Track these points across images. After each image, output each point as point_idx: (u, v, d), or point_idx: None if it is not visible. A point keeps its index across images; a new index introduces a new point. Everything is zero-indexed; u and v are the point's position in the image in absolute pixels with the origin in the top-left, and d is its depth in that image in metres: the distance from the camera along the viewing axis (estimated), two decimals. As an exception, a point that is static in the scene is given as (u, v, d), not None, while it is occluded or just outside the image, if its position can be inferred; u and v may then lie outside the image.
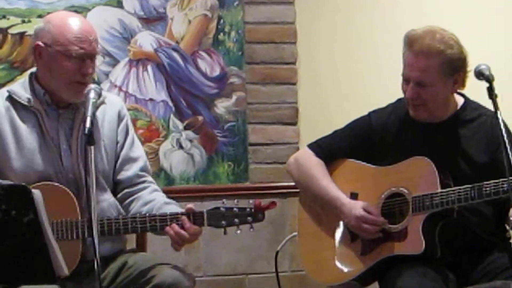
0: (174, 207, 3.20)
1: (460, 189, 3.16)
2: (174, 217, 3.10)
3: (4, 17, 4.49)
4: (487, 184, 3.11)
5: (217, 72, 4.72)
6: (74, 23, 3.17)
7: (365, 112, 3.55)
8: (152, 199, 3.24)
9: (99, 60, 4.34)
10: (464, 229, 3.29)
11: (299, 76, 4.79)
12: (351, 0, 4.88)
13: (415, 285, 3.11)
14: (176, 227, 3.09)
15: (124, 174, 3.29)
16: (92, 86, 3.02)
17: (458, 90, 3.37)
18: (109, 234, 3.10)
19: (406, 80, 3.31)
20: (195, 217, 3.10)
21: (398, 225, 3.30)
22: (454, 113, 3.39)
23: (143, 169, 3.32)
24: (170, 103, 4.65)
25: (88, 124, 2.83)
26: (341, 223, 3.48)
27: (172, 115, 4.66)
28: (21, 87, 3.23)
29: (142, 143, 4.45)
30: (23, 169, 3.13)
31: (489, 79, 3.09)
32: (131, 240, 3.47)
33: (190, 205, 3.12)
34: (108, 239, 3.20)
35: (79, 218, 3.08)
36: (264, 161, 4.74)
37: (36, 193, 2.47)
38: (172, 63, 4.66)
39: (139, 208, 3.22)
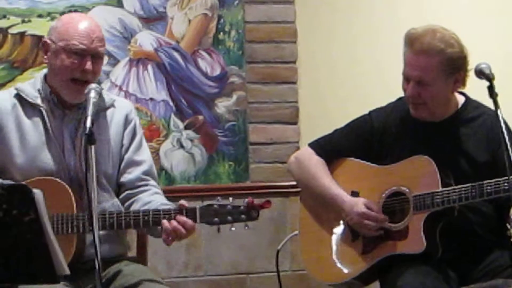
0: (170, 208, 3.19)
1: (461, 188, 3.16)
2: (167, 213, 3.08)
3: (4, 16, 4.50)
4: (488, 183, 3.11)
5: (217, 71, 4.72)
6: (81, 22, 3.19)
7: (366, 111, 3.55)
8: (151, 200, 3.23)
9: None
10: (465, 228, 3.29)
11: (299, 75, 4.79)
12: (351, 0, 4.88)
13: (416, 284, 3.11)
14: (172, 221, 3.07)
15: (127, 177, 3.29)
16: (93, 85, 3.01)
17: (459, 89, 3.37)
18: (102, 228, 3.08)
19: (406, 79, 3.31)
20: (188, 214, 3.08)
21: (399, 224, 3.30)
22: (454, 112, 3.39)
23: (146, 173, 3.32)
24: (171, 103, 4.66)
25: (88, 124, 2.83)
26: (342, 222, 3.47)
27: (172, 115, 4.66)
28: (30, 86, 3.25)
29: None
30: (26, 166, 3.14)
31: (489, 78, 3.09)
32: (132, 253, 3.47)
33: (182, 201, 3.11)
34: (106, 241, 3.20)
35: (75, 213, 3.08)
36: (264, 161, 4.75)
37: (37, 192, 2.47)
38: (172, 63, 4.66)
39: (138, 209, 3.21)
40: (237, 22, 4.75)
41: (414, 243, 3.22)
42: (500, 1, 4.96)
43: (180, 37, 4.69)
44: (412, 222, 3.26)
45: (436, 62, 3.23)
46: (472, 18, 4.85)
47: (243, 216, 3.11)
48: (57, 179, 3.12)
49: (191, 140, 4.69)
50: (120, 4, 4.62)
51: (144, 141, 3.39)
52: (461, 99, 3.41)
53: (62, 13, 4.50)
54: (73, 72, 3.14)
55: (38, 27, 4.52)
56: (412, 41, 3.26)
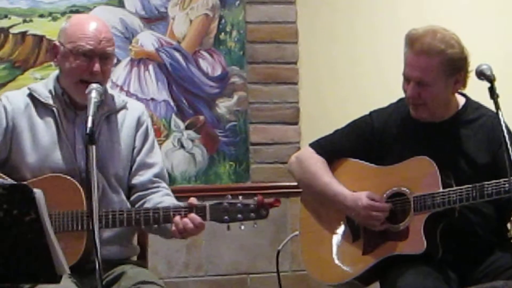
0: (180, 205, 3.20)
1: (461, 189, 3.16)
2: (177, 210, 3.09)
3: (5, 16, 4.50)
4: (489, 184, 3.11)
5: (218, 71, 4.73)
6: (89, 23, 3.20)
7: (366, 112, 3.55)
8: (162, 201, 3.25)
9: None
10: (465, 229, 3.29)
11: (300, 75, 4.79)
12: (352, 0, 4.88)
13: (416, 284, 3.11)
14: (184, 218, 3.09)
15: (138, 179, 3.30)
16: (94, 85, 3.01)
17: (459, 90, 3.37)
18: (113, 225, 3.11)
19: (407, 80, 3.31)
20: (198, 211, 3.10)
21: (400, 225, 3.30)
22: (455, 113, 3.39)
23: (157, 175, 3.33)
24: (172, 103, 4.66)
25: (89, 124, 2.83)
26: (343, 222, 3.47)
27: (173, 115, 4.66)
28: (43, 86, 3.27)
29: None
30: (37, 165, 3.15)
31: (490, 79, 3.09)
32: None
33: (192, 199, 3.12)
34: (116, 242, 3.23)
35: (85, 210, 3.09)
36: (265, 161, 4.75)
37: (38, 192, 2.47)
38: (173, 63, 4.67)
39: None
40: (238, 23, 4.75)
41: (414, 244, 3.22)
42: (501, 1, 4.96)
43: (181, 37, 4.69)
44: (413, 222, 3.26)
45: (437, 62, 3.23)
46: (473, 18, 4.85)
47: (252, 214, 3.13)
48: (68, 177, 3.12)
49: (192, 140, 4.69)
50: (121, 4, 4.62)
51: (156, 143, 3.41)
52: (461, 100, 3.41)
53: (63, 13, 4.52)
54: (82, 74, 3.14)
55: (39, 27, 4.52)
56: (412, 41, 3.26)
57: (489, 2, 4.95)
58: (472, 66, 3.24)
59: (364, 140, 3.49)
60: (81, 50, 3.13)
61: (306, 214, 3.60)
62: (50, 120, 3.21)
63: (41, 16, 4.52)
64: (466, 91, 3.40)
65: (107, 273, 3.15)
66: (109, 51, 3.19)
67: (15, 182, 2.97)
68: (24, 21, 4.52)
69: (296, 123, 4.78)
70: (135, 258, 3.37)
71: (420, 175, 3.28)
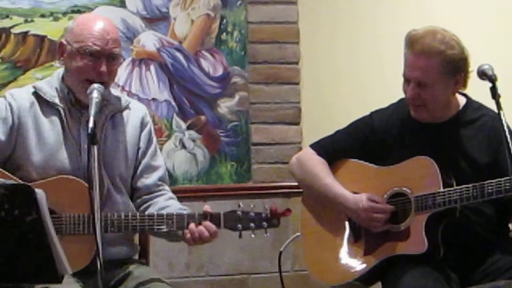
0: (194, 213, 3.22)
1: (462, 188, 3.16)
2: (192, 218, 3.12)
3: (7, 16, 4.50)
4: (490, 183, 3.10)
5: (220, 72, 4.73)
6: (96, 23, 3.18)
7: (367, 112, 3.55)
8: (169, 205, 3.27)
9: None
10: (466, 229, 3.29)
11: (301, 76, 4.80)
12: (354, 1, 4.88)
13: (417, 285, 3.11)
14: (200, 226, 3.12)
15: (143, 182, 3.31)
16: (95, 85, 3.02)
17: (460, 90, 3.37)
18: (125, 230, 3.12)
19: (407, 81, 3.31)
20: (212, 219, 3.12)
21: (401, 225, 3.30)
22: (456, 114, 3.39)
23: (161, 178, 3.34)
24: (173, 103, 4.66)
25: (90, 124, 2.83)
26: (344, 223, 3.47)
27: (175, 115, 4.66)
28: (47, 84, 3.25)
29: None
30: (42, 164, 3.15)
31: (492, 79, 3.09)
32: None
33: (207, 206, 3.15)
34: (124, 244, 3.24)
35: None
36: (267, 161, 4.75)
37: (39, 193, 2.47)
38: (175, 63, 4.67)
39: (161, 212, 3.22)
40: (239, 23, 4.75)
41: (416, 244, 3.22)
42: (502, 2, 4.96)
43: (182, 37, 4.69)
44: (414, 223, 3.26)
45: (436, 63, 3.23)
46: (474, 18, 4.85)
47: (264, 223, 3.19)
48: (76, 178, 3.12)
49: (193, 141, 4.69)
50: (123, 4, 4.62)
51: (157, 146, 3.41)
52: (462, 100, 3.41)
53: (64, 13, 4.52)
54: (88, 74, 3.13)
55: (41, 27, 4.53)
56: (412, 42, 3.26)
57: (490, 2, 4.95)
58: (473, 66, 3.23)
59: (365, 140, 3.49)
60: (88, 51, 3.12)
61: (307, 215, 3.60)
62: (55, 119, 3.19)
63: (43, 16, 4.52)
64: (467, 91, 3.39)
65: (113, 274, 3.15)
66: (116, 52, 3.19)
67: (16, 182, 2.97)
68: (26, 21, 4.52)
69: (297, 123, 4.78)
70: (136, 256, 3.37)
71: (421, 175, 3.28)
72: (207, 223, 3.11)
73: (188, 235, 3.11)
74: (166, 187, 3.36)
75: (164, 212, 3.17)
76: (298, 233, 3.70)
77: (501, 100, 3.06)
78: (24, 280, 2.59)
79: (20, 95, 3.23)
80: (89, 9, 4.54)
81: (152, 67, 4.65)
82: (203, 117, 4.70)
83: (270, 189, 4.67)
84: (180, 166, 4.67)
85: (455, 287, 3.22)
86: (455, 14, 4.80)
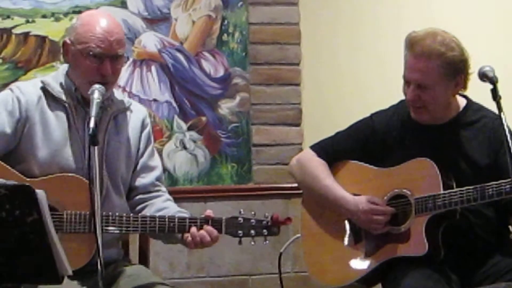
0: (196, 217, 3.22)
1: (462, 190, 3.16)
2: (194, 222, 3.12)
3: (8, 17, 4.50)
4: (490, 185, 3.10)
5: (221, 72, 4.73)
6: (99, 23, 3.16)
7: (368, 114, 3.55)
8: (166, 206, 3.27)
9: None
10: (466, 230, 3.29)
11: (302, 77, 4.80)
12: (355, 2, 4.89)
13: (418, 286, 3.11)
14: (201, 230, 3.13)
15: (140, 181, 3.31)
16: (96, 86, 3.01)
17: (460, 92, 3.36)
18: (126, 231, 3.13)
19: (407, 82, 3.31)
20: (214, 224, 3.13)
21: (401, 227, 3.30)
22: (456, 115, 3.38)
23: (158, 178, 3.35)
24: (174, 104, 4.66)
25: (92, 124, 2.82)
26: (345, 224, 3.47)
27: (175, 116, 4.67)
28: (54, 80, 3.24)
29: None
30: (47, 160, 3.13)
31: (493, 81, 3.09)
32: (134, 251, 3.48)
33: (209, 211, 3.15)
34: (113, 246, 3.25)
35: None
36: (267, 162, 4.75)
37: (40, 193, 2.47)
38: (176, 64, 4.67)
39: (152, 214, 3.23)
40: (241, 24, 4.75)
41: (416, 246, 3.22)
42: (503, 3, 4.96)
43: (184, 38, 4.69)
44: (414, 224, 3.26)
45: (437, 65, 3.22)
46: (475, 20, 4.85)
47: (265, 230, 3.20)
48: (79, 176, 3.12)
49: (194, 141, 4.69)
50: (124, 5, 4.63)
51: (154, 147, 3.42)
52: (462, 102, 3.41)
53: (66, 14, 4.53)
54: (92, 76, 3.11)
55: (42, 28, 4.53)
56: (412, 44, 3.26)
57: (491, 4, 4.95)
58: (474, 68, 3.23)
59: (365, 142, 3.49)
60: (91, 53, 3.11)
61: (307, 216, 3.60)
62: (62, 115, 3.18)
63: (44, 16, 4.53)
64: (468, 92, 3.39)
65: (106, 274, 3.15)
66: (120, 53, 3.18)
67: (18, 183, 2.96)
68: (27, 21, 4.52)
69: (298, 125, 4.78)
70: (121, 258, 3.38)
71: (421, 177, 3.28)
72: (209, 227, 3.12)
73: (189, 239, 3.11)
74: (163, 188, 3.36)
75: (163, 214, 3.17)
76: (298, 235, 3.70)
77: (501, 101, 3.06)
78: (25, 281, 2.59)
79: (28, 89, 3.21)
80: (90, 9, 4.54)
81: (153, 68, 4.65)
82: (204, 118, 4.70)
83: (270, 190, 4.67)
84: (181, 167, 4.67)
85: (456, 288, 3.23)
86: (455, 15, 4.80)
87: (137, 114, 3.34)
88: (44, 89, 3.20)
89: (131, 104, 3.36)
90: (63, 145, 3.16)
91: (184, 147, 4.68)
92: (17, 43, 4.52)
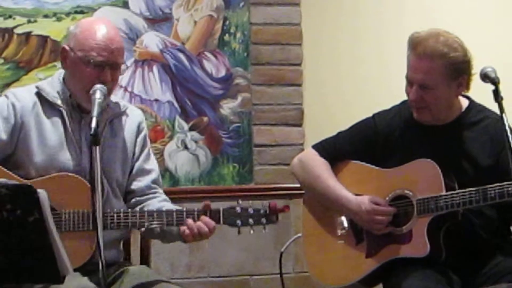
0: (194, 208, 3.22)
1: (465, 192, 3.15)
2: (191, 213, 3.12)
3: (10, 17, 4.50)
4: (492, 187, 3.10)
5: (222, 73, 4.73)
6: (99, 30, 3.15)
7: (370, 114, 3.55)
8: (162, 206, 3.27)
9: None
10: (468, 231, 3.28)
11: (304, 77, 4.80)
12: (357, 2, 4.89)
13: (419, 287, 3.11)
14: (198, 221, 3.12)
15: (137, 185, 3.31)
16: (98, 86, 3.01)
17: (463, 93, 3.36)
18: (124, 227, 3.13)
19: (409, 83, 3.31)
20: (212, 214, 3.12)
21: (403, 228, 3.30)
22: (458, 116, 3.38)
23: (154, 181, 3.35)
24: (176, 104, 4.66)
25: (93, 124, 2.82)
26: (346, 224, 3.47)
27: (177, 116, 4.67)
28: (49, 85, 3.24)
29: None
30: (44, 165, 3.14)
31: (494, 82, 3.09)
32: (136, 251, 3.49)
33: (207, 202, 3.15)
34: (114, 248, 3.24)
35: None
36: (269, 163, 4.75)
37: (42, 193, 2.47)
38: (177, 64, 4.67)
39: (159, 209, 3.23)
40: (242, 24, 4.75)
41: (418, 247, 3.22)
42: (505, 4, 4.96)
43: (185, 38, 4.69)
44: (416, 225, 3.25)
45: (439, 66, 3.22)
46: (477, 21, 4.85)
47: (263, 219, 3.19)
48: (76, 176, 3.12)
49: (196, 142, 4.69)
50: (125, 5, 4.62)
51: (151, 151, 3.42)
52: (465, 103, 3.40)
53: (67, 14, 4.52)
54: (91, 84, 3.08)
55: (44, 28, 4.53)
56: (415, 44, 3.26)
57: (493, 5, 4.95)
58: (476, 69, 3.23)
59: (367, 142, 3.48)
60: (92, 61, 3.11)
61: (309, 216, 3.60)
62: (57, 120, 3.19)
63: (46, 16, 4.53)
64: (470, 93, 3.39)
65: (108, 274, 3.15)
66: (120, 61, 3.19)
67: (19, 183, 2.97)
68: (29, 21, 4.52)
69: (300, 125, 4.78)
70: (122, 260, 3.38)
71: (423, 178, 3.27)
72: (206, 218, 3.11)
73: (187, 231, 3.10)
74: (160, 190, 3.36)
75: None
76: (299, 234, 3.70)
77: (503, 102, 3.06)
78: (26, 280, 2.59)
79: (23, 94, 3.22)
80: (92, 9, 4.55)
81: (154, 68, 4.65)
82: (205, 118, 4.70)
83: (272, 190, 4.67)
84: (182, 167, 4.67)
85: (457, 289, 3.23)
86: (458, 16, 4.80)
87: (133, 118, 3.34)
88: (39, 95, 3.20)
89: (127, 108, 3.35)
90: (59, 150, 3.16)
91: (186, 147, 4.68)
92: (19, 43, 4.52)
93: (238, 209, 3.17)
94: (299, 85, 4.79)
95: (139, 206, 3.28)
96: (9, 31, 4.51)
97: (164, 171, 4.61)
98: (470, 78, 3.29)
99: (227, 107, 4.72)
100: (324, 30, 4.82)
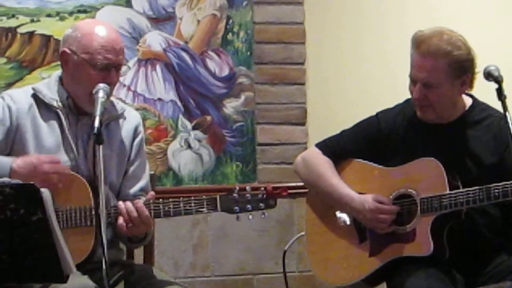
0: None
1: (468, 190, 3.15)
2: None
3: (13, 16, 4.50)
4: (496, 186, 3.10)
5: (225, 72, 4.73)
6: (102, 32, 3.15)
7: (373, 113, 3.55)
8: None
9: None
10: (472, 230, 3.28)
11: (307, 76, 4.79)
12: (360, 1, 4.88)
13: (423, 286, 3.11)
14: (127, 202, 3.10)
15: (125, 191, 3.30)
16: (101, 85, 3.01)
17: (466, 91, 3.36)
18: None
19: (413, 81, 3.31)
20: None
21: (406, 226, 3.30)
22: (462, 114, 3.38)
23: (142, 189, 3.33)
24: (179, 103, 4.66)
25: (96, 123, 2.82)
26: (349, 223, 3.47)
27: (180, 115, 4.66)
28: (45, 87, 3.23)
29: (151, 143, 4.47)
30: None
31: (498, 80, 3.09)
32: (139, 250, 3.49)
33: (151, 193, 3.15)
34: (113, 246, 3.23)
35: (93, 205, 3.09)
36: (272, 161, 4.75)
37: (45, 192, 2.47)
38: (181, 63, 4.67)
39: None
40: (245, 23, 4.75)
41: (421, 246, 3.22)
42: (509, 3, 4.95)
43: (188, 37, 4.69)
44: (420, 224, 3.25)
45: (443, 64, 3.22)
46: (481, 20, 4.84)
47: (261, 204, 3.16)
48: (74, 173, 3.12)
49: (199, 141, 4.69)
50: (129, 4, 4.62)
51: (145, 154, 3.41)
52: (468, 101, 3.40)
53: (71, 13, 4.52)
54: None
55: (47, 27, 4.53)
56: (419, 43, 3.26)
57: (496, 3, 4.95)
58: (480, 67, 3.23)
59: (371, 141, 3.48)
60: (99, 63, 3.11)
61: (312, 215, 3.60)
62: (53, 122, 3.18)
63: (49, 16, 4.52)
64: (474, 92, 3.39)
65: (111, 273, 3.15)
66: (123, 62, 3.20)
67: (22, 182, 2.97)
68: (32, 20, 4.52)
69: (303, 124, 4.78)
70: (124, 258, 3.38)
71: (426, 177, 3.27)
72: (139, 203, 3.07)
73: (120, 221, 3.07)
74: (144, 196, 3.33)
75: None
76: (303, 233, 3.70)
77: (507, 101, 3.06)
78: (29, 280, 2.60)
79: (19, 96, 3.20)
80: (95, 9, 4.54)
81: (158, 67, 4.65)
82: (208, 117, 4.70)
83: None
84: (186, 166, 4.67)
85: (461, 288, 3.23)
86: (461, 14, 4.79)
87: (130, 122, 3.33)
88: (36, 97, 3.19)
89: (125, 110, 3.33)
90: (56, 152, 3.16)
91: (189, 146, 4.68)
92: (22, 43, 4.52)
93: (235, 195, 3.14)
94: (302, 84, 4.79)
95: None
96: (12, 30, 4.51)
97: (168, 170, 4.61)
98: (473, 77, 3.29)
99: (230, 106, 4.72)
100: (327, 29, 4.82)
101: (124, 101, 4.36)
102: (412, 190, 3.31)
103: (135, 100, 4.57)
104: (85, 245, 3.06)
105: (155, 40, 4.66)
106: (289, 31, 4.78)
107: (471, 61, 3.27)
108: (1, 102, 3.19)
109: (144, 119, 4.50)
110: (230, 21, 4.74)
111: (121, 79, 4.47)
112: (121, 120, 3.31)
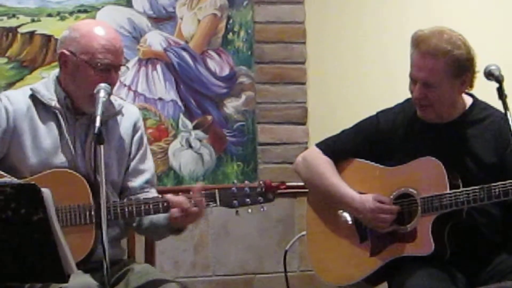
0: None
1: (469, 190, 3.15)
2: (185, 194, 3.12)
3: (13, 16, 4.50)
4: (496, 185, 3.10)
5: (226, 71, 4.73)
6: (101, 32, 3.15)
7: (373, 113, 3.54)
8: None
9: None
10: (473, 229, 3.28)
11: (308, 76, 4.79)
12: (361, 1, 4.88)
13: (424, 286, 3.11)
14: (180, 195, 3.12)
15: (130, 184, 3.30)
16: (102, 85, 3.00)
17: (466, 91, 3.36)
18: (122, 217, 3.12)
19: (413, 81, 3.31)
20: (208, 197, 3.12)
21: (407, 226, 3.30)
22: (462, 113, 3.38)
23: (147, 181, 3.33)
24: (180, 103, 4.66)
25: (97, 123, 2.82)
26: (350, 222, 3.47)
27: (181, 115, 4.66)
28: (43, 87, 3.22)
29: (151, 142, 4.47)
30: (38, 168, 3.13)
31: (498, 80, 3.09)
32: (140, 250, 3.48)
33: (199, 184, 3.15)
34: (114, 246, 3.23)
35: (92, 203, 3.09)
36: (273, 161, 4.75)
37: (46, 192, 2.47)
38: (181, 63, 4.67)
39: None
40: (246, 22, 4.75)
41: (422, 245, 3.22)
42: (509, 2, 4.95)
43: (189, 37, 4.69)
44: (421, 224, 3.25)
45: (443, 63, 3.22)
46: (481, 19, 4.84)
47: (260, 198, 3.18)
48: (73, 171, 3.12)
49: (200, 140, 4.69)
50: (129, 4, 4.62)
51: (148, 149, 3.40)
52: (468, 101, 3.40)
53: (71, 13, 4.52)
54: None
55: (48, 27, 4.53)
56: (419, 42, 3.26)
57: (496, 3, 4.95)
58: (480, 67, 3.23)
59: (371, 140, 3.48)
60: (100, 64, 3.10)
61: (312, 215, 3.60)
62: (52, 123, 3.18)
63: (49, 15, 4.52)
64: (474, 91, 3.39)
65: (112, 272, 3.14)
66: (123, 63, 3.20)
67: (23, 182, 2.97)
68: (32, 20, 4.52)
69: (304, 123, 4.78)
70: (125, 257, 3.38)
71: (427, 176, 3.27)
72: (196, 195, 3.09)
73: (174, 209, 3.08)
74: (152, 190, 3.34)
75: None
76: (304, 232, 3.70)
77: (507, 100, 3.06)
78: (30, 279, 2.60)
79: (17, 97, 3.20)
80: (95, 8, 4.54)
81: (158, 67, 4.65)
82: (209, 117, 4.70)
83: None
84: (187, 165, 4.67)
85: (462, 287, 3.22)
86: (462, 14, 4.79)
87: (129, 118, 3.32)
88: (34, 97, 3.19)
89: (123, 107, 3.32)
90: (54, 153, 3.16)
91: (190, 146, 4.68)
92: (23, 42, 4.52)
93: (234, 189, 3.15)
94: (303, 83, 4.79)
95: None
96: (13, 30, 4.51)
97: (168, 170, 4.61)
98: (473, 76, 3.29)
99: (231, 105, 4.72)
100: (328, 28, 4.82)
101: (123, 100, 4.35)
102: (413, 190, 3.30)
103: (136, 99, 4.57)
104: (84, 243, 3.05)
105: (155, 39, 4.66)
106: (289, 31, 4.78)
107: (471, 60, 3.27)
108: None
109: (144, 118, 4.49)
110: (231, 20, 4.74)
111: (121, 78, 4.52)
112: (119, 117, 3.30)
